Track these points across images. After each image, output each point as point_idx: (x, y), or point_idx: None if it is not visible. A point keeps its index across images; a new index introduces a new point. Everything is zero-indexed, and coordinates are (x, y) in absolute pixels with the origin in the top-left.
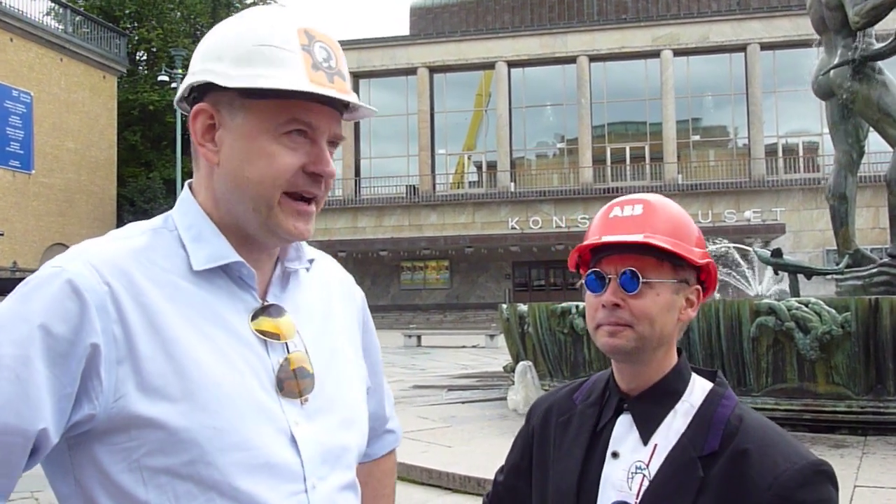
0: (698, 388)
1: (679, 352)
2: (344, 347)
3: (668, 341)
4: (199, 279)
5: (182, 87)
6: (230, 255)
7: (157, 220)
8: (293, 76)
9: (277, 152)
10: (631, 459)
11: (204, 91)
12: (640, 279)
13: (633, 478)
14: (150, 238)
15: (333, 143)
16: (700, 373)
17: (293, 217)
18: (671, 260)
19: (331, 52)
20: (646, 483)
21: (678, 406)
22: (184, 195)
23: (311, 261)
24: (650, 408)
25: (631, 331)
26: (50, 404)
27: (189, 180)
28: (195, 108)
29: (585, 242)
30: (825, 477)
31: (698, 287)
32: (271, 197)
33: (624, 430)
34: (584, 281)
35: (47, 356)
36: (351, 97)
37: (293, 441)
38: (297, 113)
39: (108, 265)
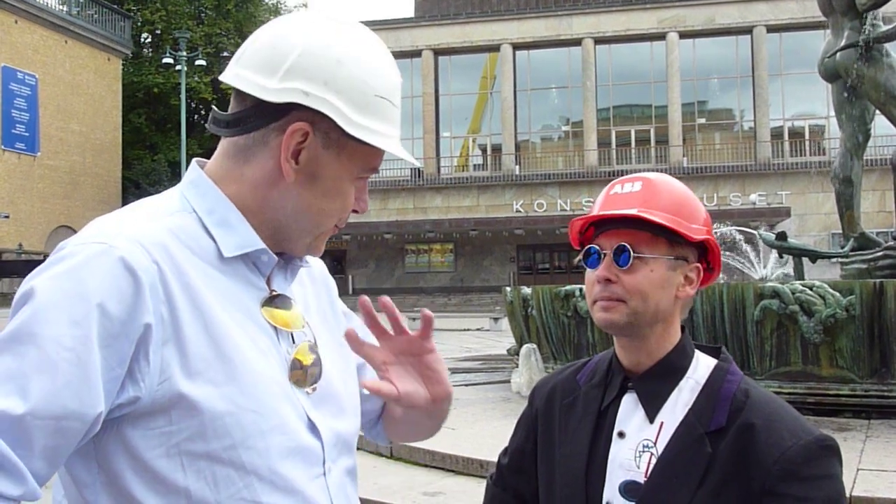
0: (702, 365)
1: (682, 329)
2: (329, 334)
3: (665, 318)
4: (224, 265)
5: (278, 96)
6: (257, 242)
7: (175, 201)
8: (396, 137)
9: (350, 193)
10: (638, 438)
11: (299, 105)
12: (632, 254)
13: (640, 456)
14: (180, 220)
15: None
16: (703, 349)
17: (324, 241)
18: (667, 236)
19: (399, 90)
20: (654, 461)
21: (682, 383)
22: (196, 177)
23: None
24: (655, 386)
25: (624, 306)
26: (102, 387)
27: (197, 159)
28: (297, 125)
29: (585, 217)
30: (830, 452)
31: (698, 265)
32: (328, 227)
33: (629, 409)
34: (581, 256)
35: (101, 337)
36: (408, 156)
37: (312, 426)
38: (375, 163)
39: (153, 244)
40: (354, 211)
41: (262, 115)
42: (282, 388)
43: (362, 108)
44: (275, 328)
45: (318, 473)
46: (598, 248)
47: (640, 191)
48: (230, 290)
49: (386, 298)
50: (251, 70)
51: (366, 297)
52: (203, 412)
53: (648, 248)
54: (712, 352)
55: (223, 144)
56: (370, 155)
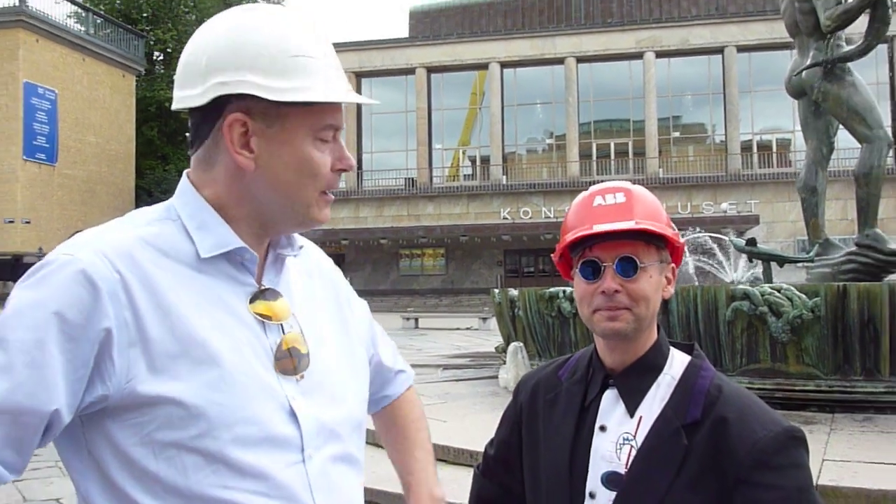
0: (677, 361)
1: (658, 328)
2: (332, 325)
3: (655, 318)
4: (204, 265)
5: (203, 97)
6: (234, 241)
7: (160, 211)
8: (331, 86)
9: (316, 156)
10: (618, 431)
11: (227, 98)
12: (638, 264)
13: (621, 448)
14: (157, 228)
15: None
16: (677, 346)
17: (324, 207)
18: (655, 242)
19: (332, 49)
20: (633, 453)
21: (660, 379)
22: (183, 187)
23: (300, 247)
24: (634, 382)
25: (629, 313)
26: (63, 386)
27: (187, 170)
28: (231, 118)
29: (578, 232)
30: (799, 442)
31: (673, 265)
32: (312, 196)
33: (610, 404)
34: (576, 270)
35: (61, 341)
36: (361, 98)
37: (292, 415)
38: (330, 118)
39: (118, 254)
40: (343, 169)
41: (203, 123)
42: (257, 380)
43: (282, 74)
44: (262, 321)
45: (294, 461)
46: (597, 260)
47: (627, 202)
48: (210, 290)
49: None
50: (181, 89)
51: None
52: (170, 405)
53: (645, 257)
54: (685, 348)
55: (193, 158)
56: (316, 113)
